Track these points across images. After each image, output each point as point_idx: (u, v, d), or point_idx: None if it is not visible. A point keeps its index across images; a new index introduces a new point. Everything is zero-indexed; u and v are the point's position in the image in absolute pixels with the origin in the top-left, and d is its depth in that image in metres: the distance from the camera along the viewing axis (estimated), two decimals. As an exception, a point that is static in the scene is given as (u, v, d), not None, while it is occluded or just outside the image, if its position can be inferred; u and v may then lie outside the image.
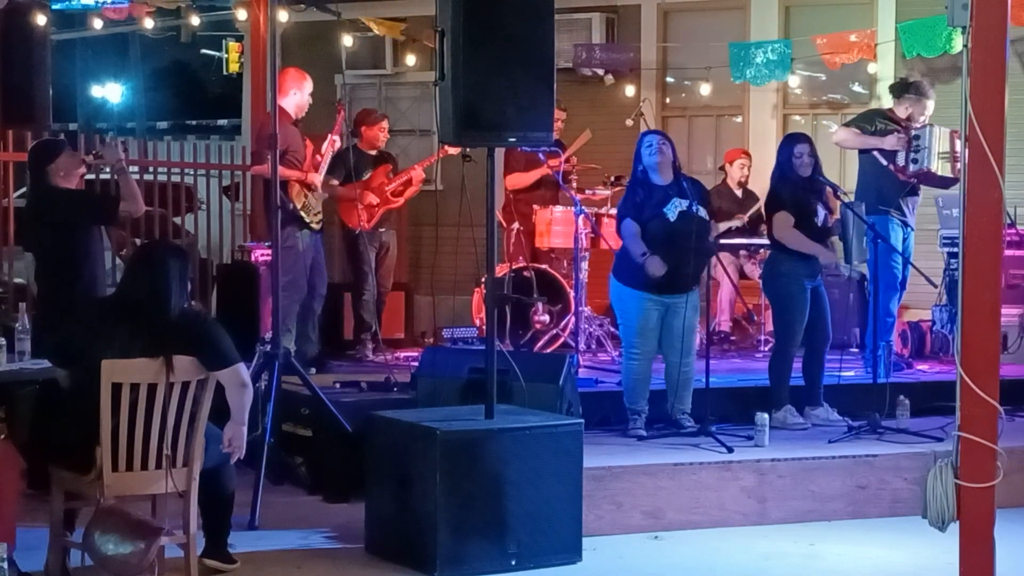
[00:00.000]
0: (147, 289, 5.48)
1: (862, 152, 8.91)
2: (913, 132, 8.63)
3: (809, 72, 11.46)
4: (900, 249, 8.63)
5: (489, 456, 5.96)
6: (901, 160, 8.69)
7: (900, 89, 8.97)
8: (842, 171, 10.85)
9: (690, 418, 7.52)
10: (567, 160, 9.77)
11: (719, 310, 10.02)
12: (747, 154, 10.62)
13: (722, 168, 10.76)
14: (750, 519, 6.92)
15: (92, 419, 5.24)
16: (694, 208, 7.35)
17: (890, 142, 8.72)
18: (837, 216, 8.01)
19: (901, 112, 8.82)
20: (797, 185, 7.78)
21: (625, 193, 7.65)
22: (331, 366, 9.03)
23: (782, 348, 7.85)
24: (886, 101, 10.96)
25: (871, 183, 8.81)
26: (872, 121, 8.99)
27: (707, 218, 7.46)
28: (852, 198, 8.44)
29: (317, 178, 8.84)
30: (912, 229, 8.84)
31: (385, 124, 9.67)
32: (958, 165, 8.43)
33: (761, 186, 10.25)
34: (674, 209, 7.34)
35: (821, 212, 7.80)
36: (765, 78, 10.90)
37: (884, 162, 8.76)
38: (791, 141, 7.92)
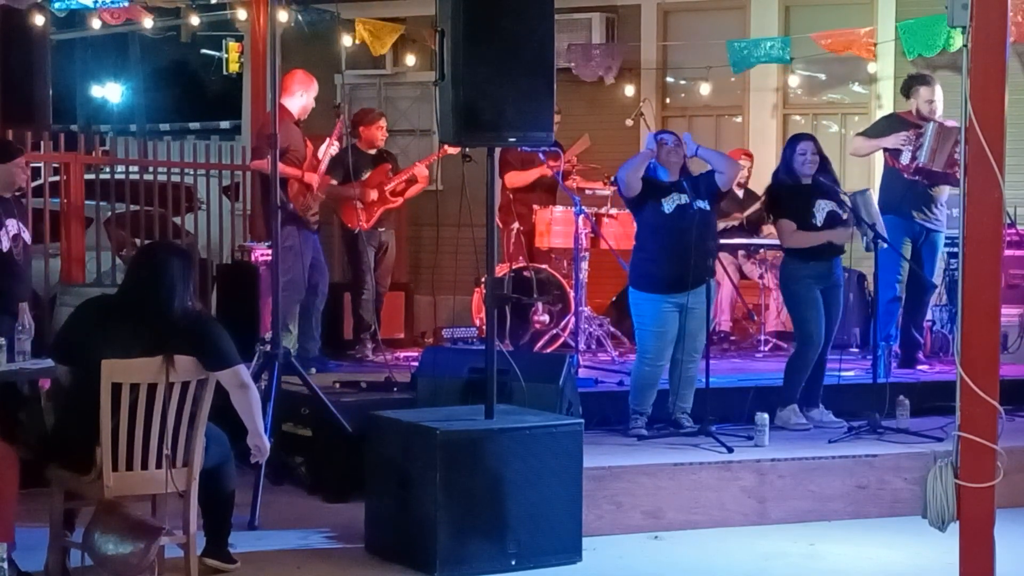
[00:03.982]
0: (150, 288, 5.48)
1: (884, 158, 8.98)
2: (923, 130, 8.64)
3: (809, 72, 11.46)
4: (914, 248, 8.74)
5: (489, 456, 5.96)
6: (905, 159, 8.71)
7: (906, 86, 9.00)
8: (842, 171, 10.85)
9: (690, 418, 7.53)
10: (567, 162, 9.77)
11: (719, 310, 10.01)
12: (748, 154, 10.61)
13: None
14: (750, 519, 6.92)
15: (92, 419, 5.24)
16: (694, 204, 7.36)
17: (891, 140, 8.78)
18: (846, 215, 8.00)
19: (919, 107, 8.81)
20: (795, 187, 7.78)
21: None
22: (331, 366, 9.03)
23: (800, 348, 7.83)
24: (886, 100, 11.02)
25: (884, 186, 8.95)
26: (880, 125, 9.05)
27: (708, 210, 7.47)
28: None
29: (315, 178, 8.85)
30: (936, 231, 8.85)
31: (383, 123, 9.65)
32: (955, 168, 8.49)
33: (763, 186, 10.27)
34: (671, 203, 7.36)
35: (821, 212, 7.77)
36: (766, 61, 10.91)
37: (892, 164, 8.82)
38: (795, 140, 7.93)
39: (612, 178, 9.55)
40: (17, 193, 7.33)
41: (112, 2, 12.14)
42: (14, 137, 10.06)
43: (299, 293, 8.77)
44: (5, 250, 7.03)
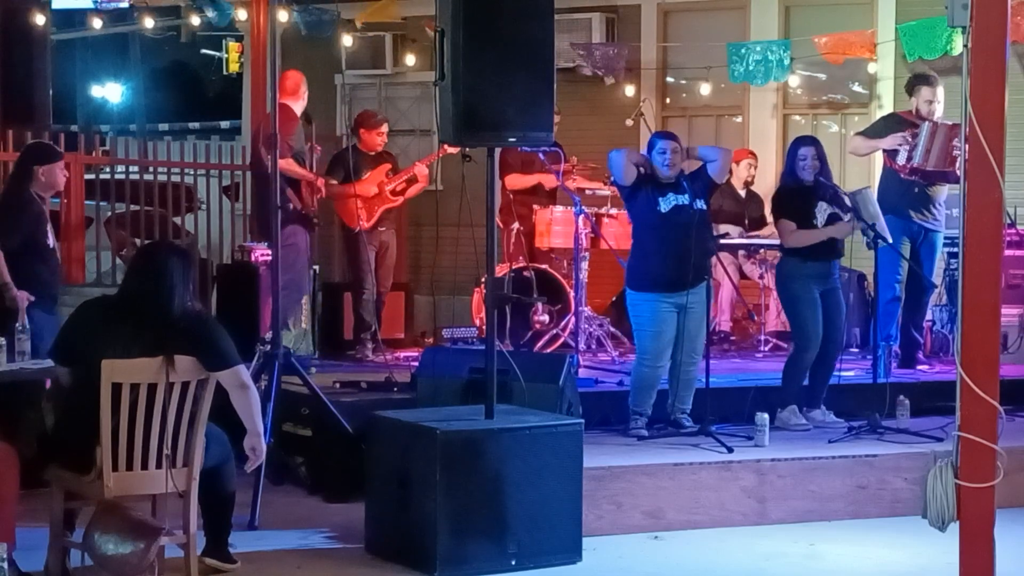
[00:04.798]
0: (150, 288, 5.48)
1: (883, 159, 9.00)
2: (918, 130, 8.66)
3: (809, 72, 11.46)
4: (912, 248, 8.79)
5: (489, 456, 5.96)
6: (902, 159, 8.73)
7: (910, 84, 9.03)
8: (842, 171, 10.85)
9: (690, 418, 7.53)
10: (566, 160, 9.79)
11: (719, 310, 10.01)
12: (753, 154, 10.61)
13: (727, 168, 10.74)
14: (750, 519, 6.92)
15: (92, 419, 5.24)
16: (694, 205, 7.36)
17: (888, 142, 8.80)
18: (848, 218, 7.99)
19: (919, 107, 8.82)
20: (797, 189, 7.78)
21: None
22: (328, 366, 9.03)
23: (798, 349, 7.82)
24: (886, 101, 11.02)
25: (883, 187, 8.96)
26: (879, 125, 9.08)
27: (706, 209, 7.48)
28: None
29: (322, 180, 8.93)
30: (935, 231, 8.87)
31: (384, 128, 9.64)
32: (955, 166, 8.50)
33: (764, 186, 10.28)
34: (668, 203, 7.36)
35: (822, 214, 7.78)
36: (763, 77, 10.92)
37: (889, 164, 8.84)
38: (797, 143, 7.91)
39: (611, 180, 9.58)
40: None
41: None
42: (14, 137, 10.08)
43: (300, 292, 8.79)
44: (51, 246, 7.33)
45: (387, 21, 12.01)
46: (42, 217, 7.26)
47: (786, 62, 10.87)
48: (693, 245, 7.27)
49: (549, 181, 9.80)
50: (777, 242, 8.30)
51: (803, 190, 7.78)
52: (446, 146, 8.91)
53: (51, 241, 7.33)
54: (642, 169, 7.43)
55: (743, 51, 11.01)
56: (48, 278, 7.26)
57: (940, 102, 8.80)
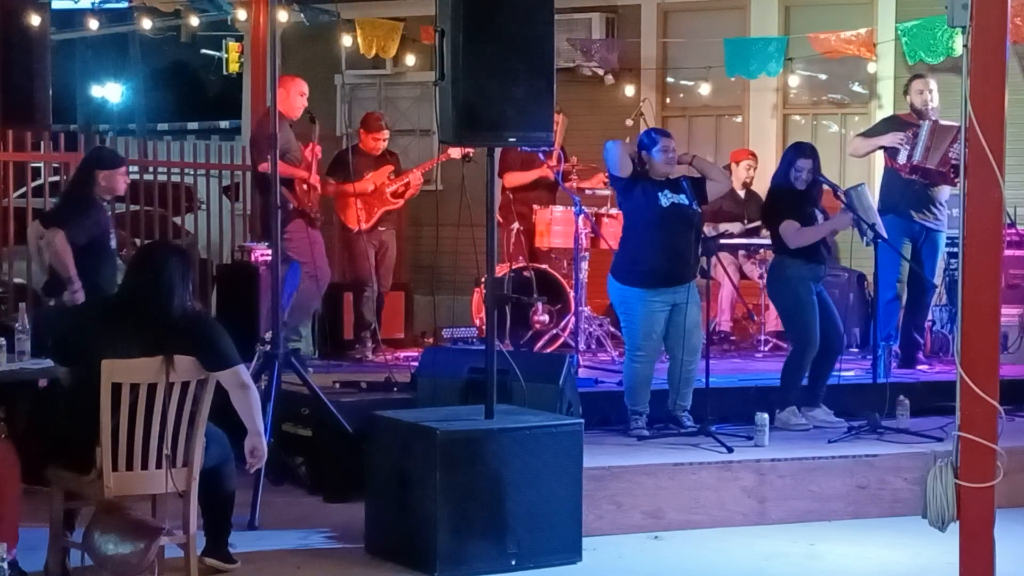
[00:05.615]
0: (149, 288, 5.48)
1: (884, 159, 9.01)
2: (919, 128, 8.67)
3: (809, 72, 11.46)
4: (914, 248, 8.79)
5: (489, 456, 5.96)
6: (902, 158, 8.74)
7: (906, 84, 9.04)
8: (842, 171, 10.86)
9: (690, 416, 7.53)
10: (566, 160, 9.78)
11: (719, 310, 10.01)
12: (753, 155, 10.60)
13: (727, 168, 10.72)
14: (750, 519, 6.92)
15: (92, 419, 5.24)
16: (691, 205, 7.36)
17: (888, 139, 8.81)
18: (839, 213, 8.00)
19: (913, 100, 8.83)
20: (793, 192, 7.76)
21: None
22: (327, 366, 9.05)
23: (799, 350, 7.77)
24: (886, 100, 11.03)
25: (884, 187, 8.98)
26: (879, 127, 9.11)
27: (700, 212, 7.49)
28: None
29: (317, 178, 8.92)
30: (936, 231, 8.88)
31: (383, 135, 9.56)
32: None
33: (764, 186, 10.27)
34: (667, 198, 7.36)
35: (819, 217, 7.78)
36: (756, 71, 10.92)
37: (890, 164, 8.84)
38: (797, 153, 7.84)
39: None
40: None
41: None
42: (14, 137, 10.08)
43: (325, 278, 8.90)
44: (113, 248, 7.63)
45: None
46: (105, 219, 7.57)
47: (781, 57, 10.87)
48: (690, 243, 7.27)
49: (549, 173, 9.77)
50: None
51: (799, 192, 7.77)
52: (449, 150, 8.91)
53: (114, 243, 7.61)
54: (636, 164, 7.44)
55: (741, 48, 11.01)
56: (109, 278, 7.46)
57: (934, 91, 8.80)
